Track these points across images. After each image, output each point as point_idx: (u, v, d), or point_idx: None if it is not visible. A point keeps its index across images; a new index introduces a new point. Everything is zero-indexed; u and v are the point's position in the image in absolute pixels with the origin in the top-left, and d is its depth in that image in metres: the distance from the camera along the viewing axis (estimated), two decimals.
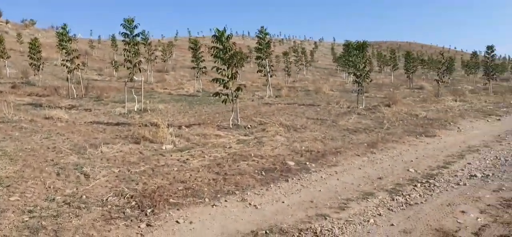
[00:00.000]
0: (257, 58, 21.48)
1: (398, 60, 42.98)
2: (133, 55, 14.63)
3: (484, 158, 7.79)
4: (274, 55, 33.46)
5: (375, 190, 5.94)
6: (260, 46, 20.57)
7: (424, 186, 6.10)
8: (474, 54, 41.42)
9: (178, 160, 7.59)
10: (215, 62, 11.51)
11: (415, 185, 6.13)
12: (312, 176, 6.74)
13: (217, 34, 11.06)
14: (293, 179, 6.57)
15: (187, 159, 7.63)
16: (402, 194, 5.74)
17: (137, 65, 14.71)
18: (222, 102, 11.28)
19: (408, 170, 7.05)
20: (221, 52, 11.07)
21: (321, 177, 6.70)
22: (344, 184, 6.28)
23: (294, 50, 47.35)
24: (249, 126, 11.09)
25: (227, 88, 11.27)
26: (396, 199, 5.51)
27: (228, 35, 11.11)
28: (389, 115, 13.48)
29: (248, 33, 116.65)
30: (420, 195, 5.65)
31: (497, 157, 7.83)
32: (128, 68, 14.77)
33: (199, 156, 7.87)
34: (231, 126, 10.94)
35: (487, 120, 13.25)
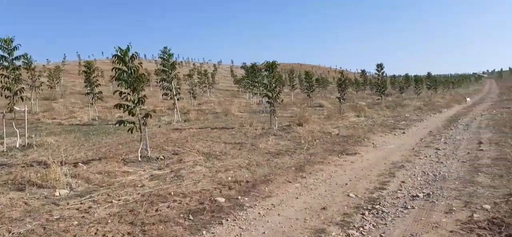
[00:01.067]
0: (161, 80, 19.97)
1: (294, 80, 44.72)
2: (13, 82, 12.17)
3: (414, 175, 7.67)
4: (178, 77, 32.04)
5: (325, 225, 5.19)
6: (164, 68, 19.13)
7: (373, 213, 5.54)
8: (363, 72, 45.23)
9: (77, 209, 5.95)
10: (118, 85, 9.91)
11: (363, 214, 5.54)
12: (248, 213, 5.75)
13: (119, 54, 9.53)
14: (227, 220, 5.50)
15: (89, 208, 6.03)
16: (354, 226, 5.08)
17: (18, 93, 12.26)
18: (128, 130, 9.70)
19: (348, 195, 6.50)
20: (125, 74, 9.56)
21: (259, 213, 5.76)
22: (288, 221, 5.41)
23: (198, 72, 46.30)
24: (161, 157, 9.69)
25: (133, 114, 9.76)
26: (351, 234, 4.82)
27: (133, 54, 9.67)
28: (305, 134, 13.22)
29: (144, 55, 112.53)
30: (374, 226, 5.05)
31: (424, 173, 7.78)
32: (7, 97, 12.23)
33: (105, 202, 6.32)
34: (140, 159, 9.42)
35: (394, 134, 13.81)
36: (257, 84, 26.48)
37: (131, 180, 7.69)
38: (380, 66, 27.72)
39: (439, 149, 10.34)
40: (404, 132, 14.23)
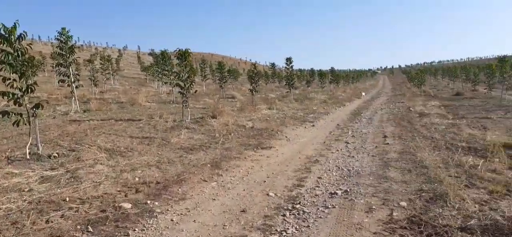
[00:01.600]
0: (58, 65, 17.78)
1: (205, 70, 43.96)
2: None
3: (329, 169, 7.67)
4: (77, 62, 29.05)
5: (246, 230, 4.77)
6: (62, 52, 17.01)
7: (294, 214, 5.28)
8: (273, 65, 46.28)
9: None
10: (1, 70, 8.29)
11: (284, 215, 5.25)
12: (159, 221, 5.08)
13: (3, 33, 7.95)
14: (135, 230, 4.78)
15: None
16: (277, 230, 4.75)
17: None
18: (13, 123, 8.20)
19: (267, 194, 6.18)
20: (10, 56, 8.01)
21: (172, 220, 5.12)
22: (205, 228, 4.88)
23: (101, 57, 42.77)
24: (55, 154, 8.40)
25: (20, 104, 8.28)
26: None
27: (21, 34, 8.14)
28: (219, 127, 12.76)
29: (39, 37, 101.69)
30: (297, 229, 4.77)
31: (338, 167, 7.84)
32: None
33: None
34: (28, 157, 8.04)
35: (305, 127, 14.05)
36: (167, 73, 25.23)
37: (16, 183, 6.45)
38: (289, 60, 28.42)
39: (348, 143, 10.67)
40: (313, 125, 14.57)
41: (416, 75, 43.26)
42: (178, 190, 6.38)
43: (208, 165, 8.04)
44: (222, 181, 6.96)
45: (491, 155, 8.19)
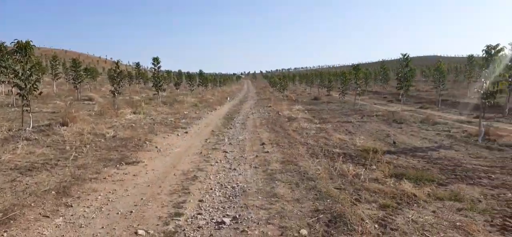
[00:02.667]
0: None
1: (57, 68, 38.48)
2: None
3: (211, 188, 6.56)
4: None
5: None
6: None
7: None
8: (138, 65, 43.13)
9: None
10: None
11: None
12: None
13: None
14: None
15: None
16: None
17: None
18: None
19: (136, 232, 4.73)
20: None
21: None
22: None
23: None
24: None
25: None
26: None
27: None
28: (71, 137, 10.50)
29: None
30: None
31: (221, 185, 6.79)
32: None
33: None
34: None
35: (178, 134, 12.70)
36: (4, 70, 20.73)
37: None
38: (156, 60, 26.42)
39: (227, 152, 9.75)
40: (187, 132, 13.32)
41: (279, 81, 45.61)
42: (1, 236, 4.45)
43: (53, 192, 6.09)
44: (72, 216, 5.22)
45: (368, 163, 8.22)
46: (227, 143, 11.13)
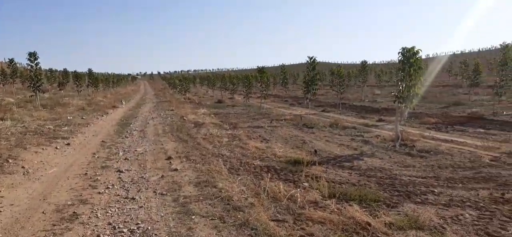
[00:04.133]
0: None
1: None
2: None
3: (98, 236, 4.52)
4: None
5: None
6: None
7: None
8: (12, 61, 36.68)
9: None
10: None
11: None
12: None
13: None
14: None
15: None
16: None
17: None
18: None
19: None
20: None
21: None
22: None
23: None
24: None
25: None
26: None
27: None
28: None
29: None
30: None
31: (114, 227, 4.78)
32: None
33: None
34: None
35: (57, 147, 10.02)
36: None
37: None
38: (33, 56, 22.25)
39: (122, 171, 7.63)
40: (69, 144, 10.67)
41: (180, 82, 43.21)
42: None
43: None
44: None
45: (298, 178, 6.95)
46: (122, 158, 8.94)
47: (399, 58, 11.07)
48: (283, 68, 39.04)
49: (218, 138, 12.30)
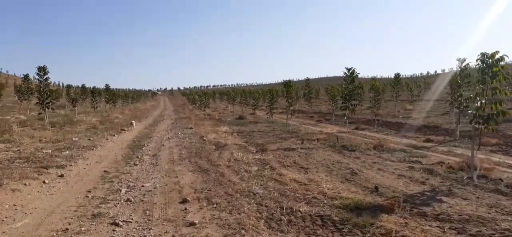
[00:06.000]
0: None
1: None
2: None
3: None
4: None
5: None
6: None
7: None
8: (26, 77, 35.62)
9: None
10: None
11: None
12: None
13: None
14: None
15: None
16: None
17: None
18: None
19: None
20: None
21: None
22: None
23: None
24: None
25: None
26: None
27: None
28: None
29: None
30: None
31: None
32: None
33: None
34: None
35: (44, 182, 7.93)
36: None
37: None
38: (42, 70, 20.63)
39: (118, 225, 5.43)
40: (62, 175, 8.60)
41: (199, 98, 41.45)
42: None
43: None
44: None
45: None
46: (124, 199, 6.75)
47: (477, 65, 8.64)
48: (308, 81, 36.75)
49: (245, 165, 10.05)
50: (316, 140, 16.15)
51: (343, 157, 11.89)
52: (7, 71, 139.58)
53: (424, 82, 70.81)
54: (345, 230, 5.35)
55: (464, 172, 9.32)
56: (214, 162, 10.49)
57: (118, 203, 6.51)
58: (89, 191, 7.29)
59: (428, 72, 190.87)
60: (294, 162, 10.93)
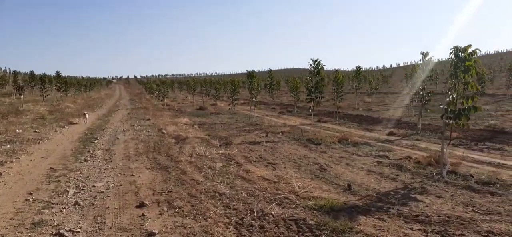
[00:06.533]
0: None
1: None
2: None
3: None
4: None
5: None
6: None
7: None
8: None
9: None
10: None
11: None
12: None
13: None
14: None
15: None
16: None
17: None
18: None
19: None
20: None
21: None
22: None
23: None
24: None
25: None
26: None
27: None
28: None
29: None
30: None
31: None
32: None
33: None
34: None
35: None
36: None
37: None
38: None
39: (63, 235, 4.63)
40: (0, 174, 7.54)
41: (157, 87, 39.94)
42: None
43: None
44: None
45: None
46: (71, 204, 5.90)
47: (451, 59, 8.47)
48: (270, 72, 36.35)
49: (209, 161, 9.39)
50: (280, 133, 15.73)
51: (309, 151, 11.53)
52: None
53: (381, 75, 72.88)
54: (318, 232, 4.88)
55: (433, 167, 9.22)
56: (175, 157, 9.74)
57: (65, 208, 5.66)
58: (31, 193, 6.35)
59: (384, 66, 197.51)
60: (260, 157, 10.41)
